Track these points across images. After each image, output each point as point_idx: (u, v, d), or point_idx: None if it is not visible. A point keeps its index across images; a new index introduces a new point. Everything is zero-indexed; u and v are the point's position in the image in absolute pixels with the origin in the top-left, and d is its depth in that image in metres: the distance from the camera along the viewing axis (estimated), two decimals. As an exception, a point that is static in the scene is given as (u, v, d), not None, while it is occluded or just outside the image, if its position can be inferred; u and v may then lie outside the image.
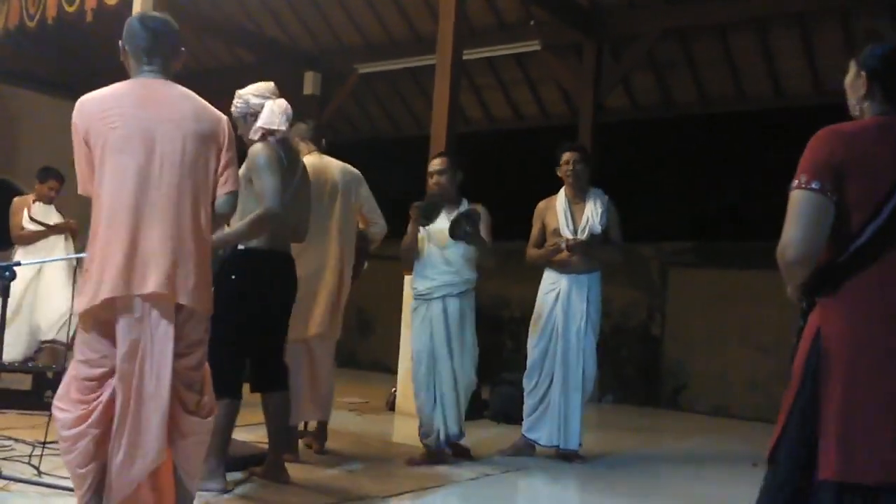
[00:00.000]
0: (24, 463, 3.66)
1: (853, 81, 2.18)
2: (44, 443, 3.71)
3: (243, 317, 3.63)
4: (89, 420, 2.51)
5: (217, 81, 8.88)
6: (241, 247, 3.67)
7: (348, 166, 4.70)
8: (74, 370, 2.59)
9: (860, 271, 1.99)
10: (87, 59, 10.95)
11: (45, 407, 4.77)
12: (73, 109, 2.67)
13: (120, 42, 2.76)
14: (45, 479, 3.44)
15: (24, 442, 4.03)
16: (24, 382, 5.13)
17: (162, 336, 2.52)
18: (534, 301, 5.12)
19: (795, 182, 2.02)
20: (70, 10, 7.66)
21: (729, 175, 8.65)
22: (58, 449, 3.84)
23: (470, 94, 10.08)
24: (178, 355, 2.55)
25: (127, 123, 2.57)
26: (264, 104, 3.75)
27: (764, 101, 8.79)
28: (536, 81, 9.89)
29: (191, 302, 2.57)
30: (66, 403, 2.56)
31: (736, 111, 9.02)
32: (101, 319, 2.53)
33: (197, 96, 2.80)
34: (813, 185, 2.00)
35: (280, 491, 3.69)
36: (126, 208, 2.52)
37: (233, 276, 3.60)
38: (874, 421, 1.93)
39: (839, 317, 2.00)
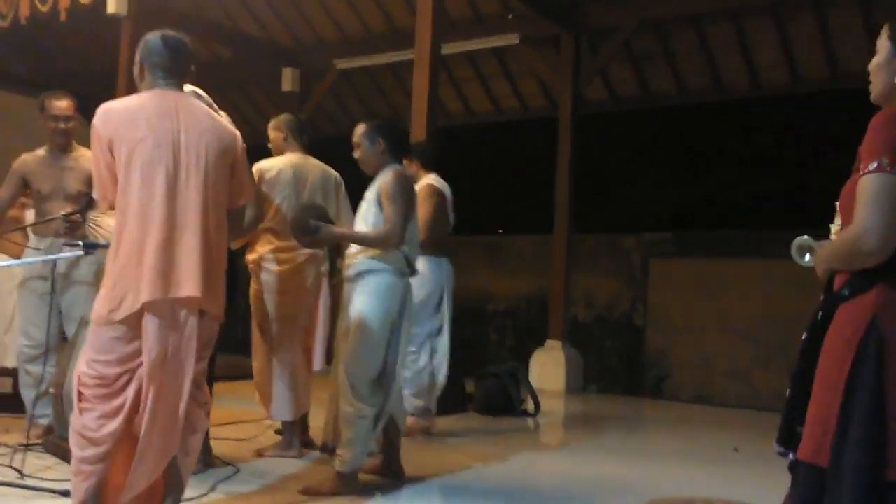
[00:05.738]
0: (5, 466, 3.62)
1: (890, 61, 2.01)
2: (26, 445, 3.68)
3: None
4: (116, 419, 2.53)
5: (195, 78, 8.81)
6: None
7: (329, 169, 4.67)
8: (89, 370, 2.55)
9: None
10: (61, 59, 10.84)
11: (26, 409, 4.78)
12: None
13: (136, 57, 2.79)
14: (28, 482, 3.40)
15: (5, 445, 4.00)
16: (4, 385, 5.09)
17: (188, 339, 2.57)
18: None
19: (874, 164, 1.86)
20: (43, 9, 7.59)
21: (707, 165, 8.72)
22: (40, 451, 3.87)
23: (449, 88, 10.08)
24: (195, 359, 2.61)
25: (155, 133, 2.61)
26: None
27: (741, 91, 8.85)
28: (515, 74, 9.91)
29: (213, 307, 2.66)
30: (88, 404, 2.55)
31: (713, 101, 9.10)
32: (127, 321, 2.54)
33: (212, 111, 2.89)
34: None
35: (263, 489, 3.70)
36: (158, 215, 2.56)
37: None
38: None
39: None
